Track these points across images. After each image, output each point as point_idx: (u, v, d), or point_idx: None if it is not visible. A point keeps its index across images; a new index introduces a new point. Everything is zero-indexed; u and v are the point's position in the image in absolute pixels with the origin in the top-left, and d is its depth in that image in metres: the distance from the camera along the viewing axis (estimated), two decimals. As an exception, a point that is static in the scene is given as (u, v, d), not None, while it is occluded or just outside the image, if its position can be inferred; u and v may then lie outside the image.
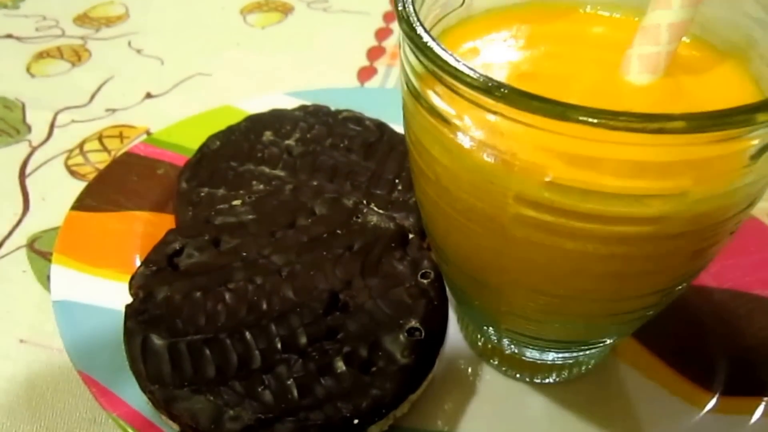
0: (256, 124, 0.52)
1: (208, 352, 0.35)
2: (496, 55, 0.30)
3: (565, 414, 0.39)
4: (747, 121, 0.21)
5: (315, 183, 0.47)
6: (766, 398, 0.37)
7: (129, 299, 0.39)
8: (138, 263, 0.44)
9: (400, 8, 0.27)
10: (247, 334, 0.36)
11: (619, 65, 0.28)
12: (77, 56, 0.72)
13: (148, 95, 0.65)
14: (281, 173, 0.48)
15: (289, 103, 0.55)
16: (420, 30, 0.25)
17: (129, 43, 0.74)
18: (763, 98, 0.25)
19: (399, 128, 0.51)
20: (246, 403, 0.33)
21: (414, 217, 0.44)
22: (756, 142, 0.23)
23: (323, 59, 0.71)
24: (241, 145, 0.50)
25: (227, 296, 0.38)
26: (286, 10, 0.79)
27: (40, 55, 0.72)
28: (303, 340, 0.36)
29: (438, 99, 0.26)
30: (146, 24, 0.78)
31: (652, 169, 0.23)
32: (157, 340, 0.36)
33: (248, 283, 0.38)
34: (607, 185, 0.23)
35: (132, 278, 0.39)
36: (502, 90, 0.22)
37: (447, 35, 0.32)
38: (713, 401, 0.38)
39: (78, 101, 0.65)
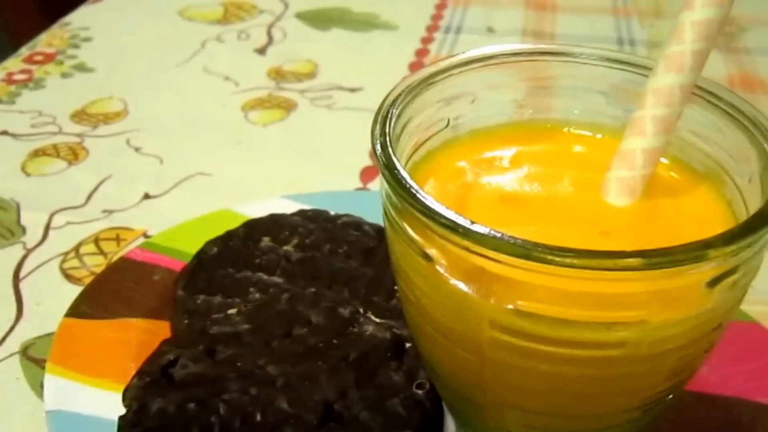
0: (254, 229, 0.55)
1: (201, 464, 0.38)
2: (479, 176, 0.34)
3: None
4: (699, 257, 0.24)
5: (313, 290, 0.50)
6: None
7: (121, 408, 0.41)
8: (133, 372, 0.47)
9: (376, 146, 0.30)
10: (242, 447, 0.39)
11: (599, 186, 0.32)
12: (74, 154, 0.75)
13: (146, 196, 0.68)
14: (279, 280, 0.51)
15: (288, 207, 0.58)
16: (395, 168, 0.29)
17: (128, 141, 0.77)
18: (735, 220, 0.29)
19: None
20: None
21: (412, 326, 0.47)
22: (710, 273, 0.26)
23: (326, 158, 0.74)
24: (238, 251, 0.53)
25: (221, 408, 0.41)
26: (289, 107, 0.83)
27: (36, 153, 0.76)
28: (297, 451, 0.39)
29: (413, 232, 0.29)
30: (145, 121, 0.81)
31: (613, 299, 0.26)
32: (150, 453, 0.39)
33: (243, 394, 0.41)
34: (573, 314, 0.27)
35: (126, 389, 0.42)
36: (466, 228, 0.25)
37: (431, 158, 0.36)
38: None
39: (74, 202, 0.68)
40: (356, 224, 0.55)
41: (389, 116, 0.32)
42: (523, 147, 0.36)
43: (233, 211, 0.60)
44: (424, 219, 0.27)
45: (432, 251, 0.29)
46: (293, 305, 0.46)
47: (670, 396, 0.34)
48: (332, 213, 0.57)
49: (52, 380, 0.47)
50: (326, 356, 0.43)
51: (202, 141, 0.78)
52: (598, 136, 0.37)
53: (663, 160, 0.34)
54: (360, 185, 0.70)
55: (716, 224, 0.26)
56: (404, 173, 0.28)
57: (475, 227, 0.25)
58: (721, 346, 0.36)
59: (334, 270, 0.52)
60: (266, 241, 0.54)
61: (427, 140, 0.36)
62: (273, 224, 0.56)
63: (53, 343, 0.49)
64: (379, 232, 0.55)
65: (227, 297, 0.50)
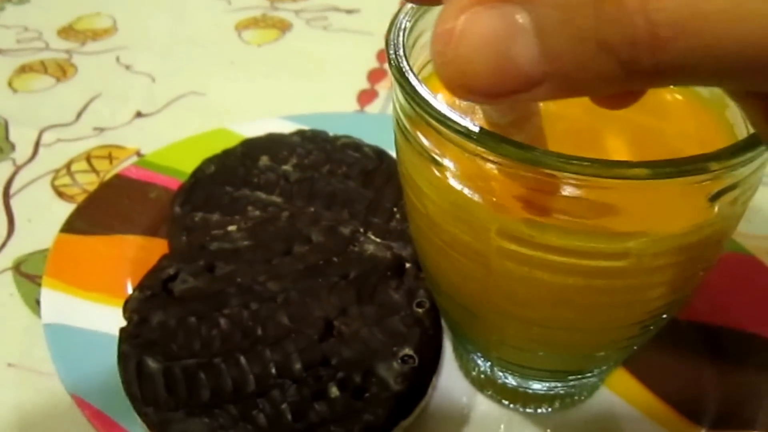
0: (252, 148, 0.57)
1: (203, 375, 0.40)
2: None
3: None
4: (703, 168, 0.26)
5: (312, 210, 0.51)
6: (754, 433, 0.42)
7: (120, 324, 0.43)
8: (130, 288, 0.49)
9: (390, 54, 0.31)
10: (242, 359, 0.41)
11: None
12: (62, 71, 0.76)
13: (139, 114, 0.70)
14: (277, 199, 0.53)
15: (286, 128, 0.60)
16: (409, 76, 0.30)
17: (117, 59, 0.78)
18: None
19: (398, 156, 0.56)
20: (240, 425, 0.38)
21: (411, 247, 0.49)
22: (713, 187, 0.27)
23: (322, 80, 0.75)
24: (236, 170, 0.55)
25: (222, 322, 0.42)
26: (284, 28, 0.84)
27: (23, 69, 0.77)
28: (297, 365, 0.41)
29: (425, 139, 0.30)
30: (135, 39, 0.82)
31: (618, 209, 0.28)
32: (152, 364, 0.41)
33: (243, 308, 0.43)
34: (580, 223, 0.28)
35: (126, 302, 0.44)
36: (478, 134, 0.27)
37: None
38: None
39: (64, 119, 0.69)
40: (356, 145, 0.57)
41: (403, 25, 0.32)
42: None
43: (229, 131, 0.62)
44: (437, 125, 0.28)
45: (443, 158, 0.30)
46: (293, 223, 0.48)
47: (665, 315, 0.36)
48: (331, 134, 0.58)
49: (48, 294, 0.49)
50: (326, 274, 0.45)
51: (195, 60, 0.79)
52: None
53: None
54: (357, 108, 0.71)
55: (718, 146, 0.27)
56: (418, 80, 0.29)
57: (487, 133, 0.27)
58: (716, 276, 0.38)
59: (333, 191, 0.53)
60: (264, 160, 0.56)
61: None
62: (271, 144, 0.57)
63: (49, 258, 0.51)
64: (379, 154, 0.56)
65: (225, 215, 0.52)
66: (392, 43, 0.31)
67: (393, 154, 0.53)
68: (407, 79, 0.29)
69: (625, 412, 0.45)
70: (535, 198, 0.28)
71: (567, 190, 0.27)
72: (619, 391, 0.45)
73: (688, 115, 0.35)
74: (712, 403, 0.44)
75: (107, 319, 0.46)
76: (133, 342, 0.41)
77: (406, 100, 0.29)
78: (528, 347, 0.38)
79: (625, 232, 0.29)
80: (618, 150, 0.33)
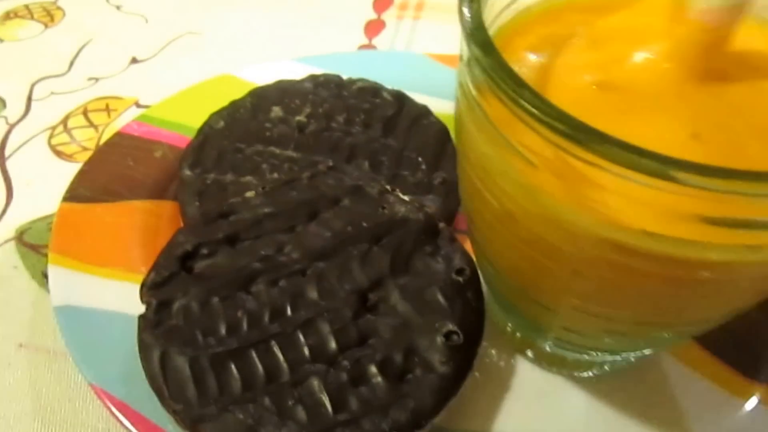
0: (262, 99, 0.54)
1: (232, 365, 0.38)
2: (561, 58, 0.32)
3: (605, 408, 0.42)
4: None
5: (331, 163, 0.49)
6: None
7: (135, 300, 0.41)
8: (141, 259, 0.46)
9: (467, 19, 0.28)
10: (273, 344, 0.39)
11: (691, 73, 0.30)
12: (49, 16, 0.73)
13: (134, 60, 0.67)
14: (294, 154, 0.50)
15: (296, 71, 0.57)
16: (497, 57, 0.26)
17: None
18: None
19: (418, 97, 0.53)
20: (278, 420, 0.36)
21: (441, 201, 0.47)
22: None
23: (325, 12, 0.73)
24: (247, 123, 0.52)
25: (248, 302, 0.40)
26: (282, -45, 0.80)
27: (7, 16, 0.74)
28: (332, 347, 0.38)
29: (516, 137, 0.27)
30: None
31: (761, 220, 0.25)
32: (176, 356, 0.38)
33: (269, 286, 0.41)
34: (710, 236, 0.25)
35: (143, 285, 0.41)
36: (598, 141, 0.23)
37: (501, 36, 0.33)
38: (759, 393, 0.42)
39: (56, 69, 0.67)
40: (373, 90, 0.54)
41: None
42: (604, 18, 0.34)
43: (235, 77, 0.59)
44: (538, 125, 0.25)
45: (538, 159, 0.27)
46: (316, 184, 0.45)
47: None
48: (345, 77, 0.55)
49: (56, 272, 0.46)
50: (356, 241, 0.42)
51: (190, -3, 0.76)
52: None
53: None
54: (365, 41, 0.68)
55: None
56: (513, 69, 0.26)
57: (610, 141, 0.23)
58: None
59: (354, 141, 0.51)
60: (276, 111, 0.53)
61: (499, 15, 0.33)
62: (282, 92, 0.54)
63: (53, 232, 0.48)
64: (398, 98, 0.54)
65: (239, 175, 0.49)
66: (468, 16, 0.28)
67: (412, 96, 0.51)
68: (492, 54, 0.26)
69: (676, 371, 0.43)
70: (658, 211, 0.25)
71: (700, 204, 0.24)
72: (670, 351, 0.43)
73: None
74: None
75: (122, 297, 0.44)
76: (155, 331, 0.39)
77: (489, 81, 0.26)
78: (596, 334, 0.36)
79: (765, 243, 0.25)
80: (706, 133, 0.29)
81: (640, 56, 0.31)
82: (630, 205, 0.25)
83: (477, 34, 0.27)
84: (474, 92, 0.28)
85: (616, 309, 0.32)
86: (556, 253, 0.30)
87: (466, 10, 0.28)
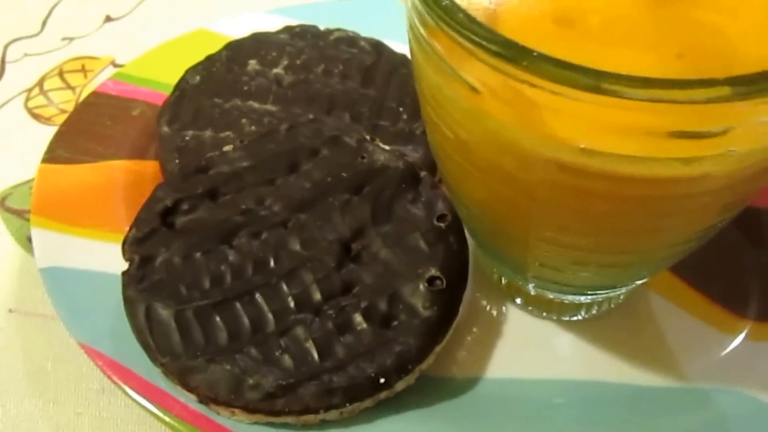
0: (237, 52, 0.54)
1: (217, 318, 0.39)
2: None
3: (594, 350, 0.43)
4: None
5: (311, 116, 0.49)
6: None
7: (120, 260, 0.42)
8: (126, 218, 0.47)
9: None
10: (258, 296, 0.40)
11: None
12: (19, -26, 0.73)
13: (108, 18, 0.67)
14: (272, 108, 0.50)
15: (271, 23, 0.57)
16: None
17: (77, -45, 0.75)
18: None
19: (397, 46, 0.54)
20: (265, 369, 0.37)
21: (423, 150, 0.47)
22: None
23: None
24: (224, 77, 0.53)
25: (231, 255, 0.41)
26: None
27: (-25, -24, 0.73)
28: (317, 296, 0.39)
29: (458, 62, 0.28)
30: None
31: (696, 131, 0.26)
32: (161, 309, 0.39)
33: (252, 238, 0.41)
34: (649, 150, 0.26)
35: (125, 242, 0.42)
36: (531, 59, 0.24)
37: None
38: (746, 328, 0.43)
39: (28, 30, 0.66)
40: (350, 40, 0.54)
41: None
42: None
43: (209, 31, 0.59)
44: (474, 48, 0.26)
45: (480, 84, 0.28)
46: (294, 136, 0.46)
47: (725, 222, 0.34)
48: (322, 28, 0.56)
49: (39, 234, 0.47)
50: (337, 191, 0.43)
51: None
52: None
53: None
54: (342, -8, 0.68)
55: None
56: None
57: (541, 58, 0.24)
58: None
59: (333, 93, 0.51)
60: (253, 64, 0.53)
61: None
62: (258, 45, 0.55)
63: (34, 193, 0.49)
64: (376, 46, 0.54)
65: (218, 131, 0.50)
66: None
67: (391, 45, 0.52)
68: None
69: (665, 309, 0.44)
70: (597, 126, 0.26)
71: (637, 116, 0.25)
72: (657, 289, 0.45)
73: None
74: (757, 294, 0.43)
75: (107, 256, 0.45)
76: (138, 287, 0.40)
77: (430, 11, 0.27)
78: (572, 269, 0.37)
79: (702, 155, 0.26)
80: (691, 52, 0.30)
81: None
82: (567, 122, 0.26)
83: None
84: (418, 23, 0.29)
85: (578, 236, 0.33)
86: (511, 180, 0.31)
87: None
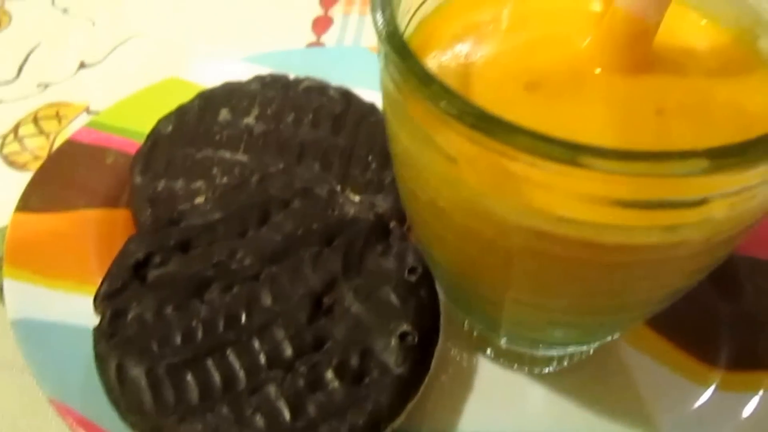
0: (209, 101, 0.53)
1: (189, 375, 0.37)
2: (489, 51, 0.32)
3: (566, 403, 0.42)
4: None
5: (281, 166, 0.48)
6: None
7: (92, 313, 0.41)
8: (98, 269, 0.45)
9: (378, 22, 0.28)
10: (229, 352, 0.38)
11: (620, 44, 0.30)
12: (-4, 21, 0.72)
13: (82, 64, 0.66)
14: (243, 158, 0.49)
15: (242, 71, 0.56)
16: (407, 55, 0.26)
17: (52, 2, 0.74)
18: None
19: (365, 93, 0.53)
20: (236, 429, 0.36)
21: (392, 199, 0.46)
22: None
23: (272, 8, 0.71)
24: (195, 127, 0.51)
25: (202, 310, 0.40)
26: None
27: (-47, 22, 0.72)
28: (288, 353, 0.38)
29: (433, 129, 0.27)
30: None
31: (674, 201, 0.25)
32: (133, 366, 0.38)
33: (223, 292, 0.40)
34: (628, 218, 0.25)
35: (96, 296, 0.41)
36: (507, 131, 0.23)
37: (424, 28, 0.33)
38: (717, 378, 0.42)
39: (4, 76, 0.65)
40: (320, 88, 0.53)
41: None
42: (537, 3, 0.34)
43: (182, 80, 0.58)
44: (449, 119, 0.24)
45: (457, 152, 0.27)
46: (265, 188, 0.45)
47: (697, 282, 0.33)
48: (292, 77, 0.55)
49: (12, 285, 0.45)
50: (308, 244, 0.42)
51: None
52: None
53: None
54: (313, 38, 0.67)
55: (754, 87, 0.25)
56: (425, 67, 0.26)
57: (517, 130, 0.23)
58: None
59: (302, 142, 0.50)
60: (224, 113, 0.52)
61: (421, 6, 0.33)
62: (229, 94, 0.53)
63: (7, 243, 0.47)
64: (345, 95, 0.53)
65: (190, 180, 0.48)
66: (379, 4, 0.28)
67: (359, 93, 0.51)
68: (403, 53, 0.26)
69: (635, 360, 0.43)
70: (575, 197, 0.25)
71: (614, 188, 0.24)
72: (629, 340, 0.43)
73: (719, 51, 0.32)
74: (727, 343, 0.43)
75: (79, 308, 0.43)
76: (110, 342, 0.39)
77: (402, 79, 0.26)
78: (543, 327, 0.36)
79: (682, 223, 0.26)
80: (670, 108, 0.29)
81: (563, 44, 0.32)
82: (545, 192, 0.26)
83: (389, 36, 0.27)
84: (393, 89, 0.28)
85: (552, 299, 0.32)
86: (486, 244, 0.30)
87: (378, 16, 0.28)
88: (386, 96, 0.30)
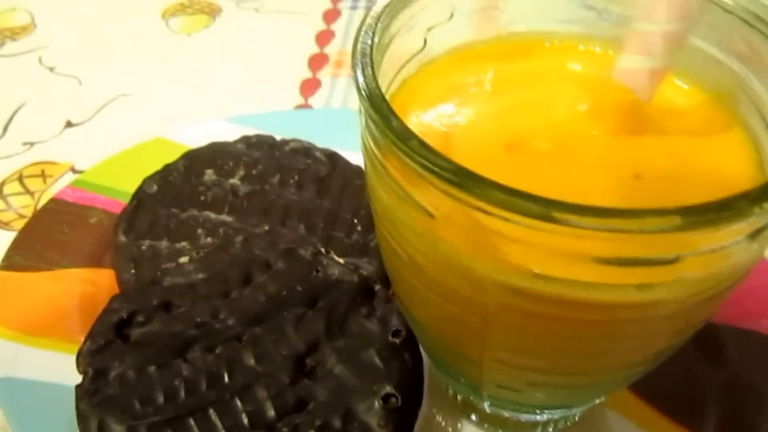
0: (195, 162, 0.53)
1: (170, 435, 0.37)
2: (471, 112, 0.32)
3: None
4: (744, 213, 0.23)
5: (266, 228, 0.48)
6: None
7: (74, 372, 0.40)
8: (80, 328, 0.45)
9: (359, 81, 0.28)
10: (211, 412, 0.38)
11: (618, 116, 0.31)
12: (-17, 79, 0.72)
13: (69, 124, 0.66)
14: (228, 218, 0.49)
15: (228, 132, 0.56)
16: (386, 112, 0.26)
17: (39, 60, 0.74)
18: (753, 144, 0.28)
19: (351, 156, 0.53)
20: (218, 492, 0.35)
21: (377, 263, 0.46)
22: (754, 225, 0.25)
23: (260, 70, 0.72)
24: (181, 187, 0.51)
25: (184, 369, 0.39)
26: (213, 12, 0.80)
27: (-61, 79, 0.72)
28: (271, 413, 0.38)
29: (412, 188, 0.27)
30: (56, 35, 0.77)
31: (648, 258, 0.25)
32: (114, 425, 0.37)
33: (206, 352, 0.40)
34: (602, 276, 0.25)
35: (79, 354, 0.40)
36: (482, 187, 0.23)
37: (407, 87, 0.34)
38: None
39: (-10, 134, 0.65)
40: (305, 150, 0.54)
41: (369, 41, 0.29)
42: (509, 65, 0.34)
43: (168, 140, 0.58)
44: (426, 174, 0.25)
45: (434, 208, 0.27)
46: (249, 248, 0.45)
47: (680, 343, 0.33)
48: (278, 138, 0.55)
49: (-5, 343, 0.45)
50: (291, 305, 0.42)
51: (123, 56, 0.75)
52: (596, 49, 0.35)
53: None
54: (300, 101, 0.67)
55: (734, 151, 0.25)
56: (403, 123, 0.26)
57: (492, 185, 0.23)
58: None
59: (287, 203, 0.50)
60: (209, 174, 0.52)
61: (404, 66, 0.33)
62: (215, 154, 0.54)
63: (-9, 301, 0.47)
64: (331, 157, 0.53)
65: (174, 241, 0.48)
66: (359, 63, 0.28)
67: (346, 154, 0.51)
68: (381, 110, 0.26)
69: (622, 427, 0.43)
70: (550, 253, 0.25)
71: (588, 244, 0.24)
72: (614, 406, 0.43)
73: (698, 116, 0.33)
74: (714, 411, 0.42)
75: (61, 367, 0.43)
76: (92, 400, 0.38)
77: (380, 135, 0.26)
78: (527, 389, 0.36)
79: (654, 282, 0.26)
80: (648, 173, 0.30)
81: (544, 107, 0.32)
82: (520, 248, 0.26)
83: (368, 93, 0.27)
84: (371, 144, 0.28)
85: (530, 358, 0.32)
86: (463, 302, 0.30)
87: (358, 73, 0.28)
88: (366, 153, 0.30)
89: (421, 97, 0.34)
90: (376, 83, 0.28)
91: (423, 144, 0.25)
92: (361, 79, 0.28)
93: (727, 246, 0.25)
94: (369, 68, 0.28)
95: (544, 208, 0.23)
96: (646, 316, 0.28)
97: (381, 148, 0.28)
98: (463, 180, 0.24)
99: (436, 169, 0.25)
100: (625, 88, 0.31)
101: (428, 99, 0.33)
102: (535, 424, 0.41)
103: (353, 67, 0.29)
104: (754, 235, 0.25)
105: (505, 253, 0.26)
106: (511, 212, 0.24)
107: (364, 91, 0.28)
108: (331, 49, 0.74)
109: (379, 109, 0.27)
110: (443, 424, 0.43)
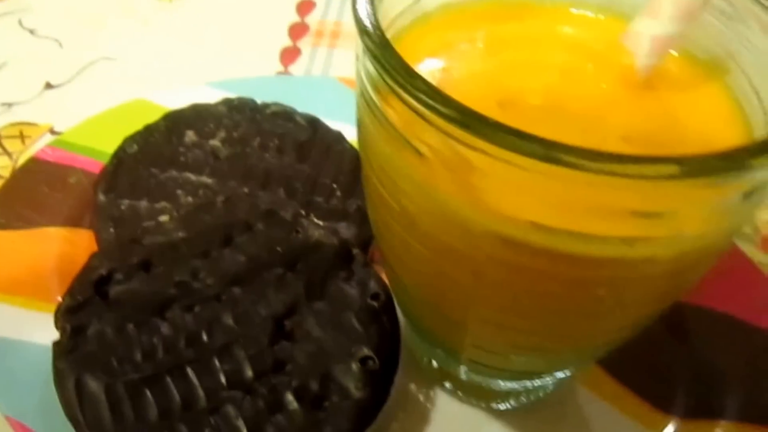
0: (176, 122, 0.52)
1: (148, 393, 0.37)
2: (464, 69, 0.32)
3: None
4: (741, 167, 0.23)
5: (246, 190, 0.48)
6: (724, 422, 0.41)
7: (52, 330, 0.40)
8: (58, 288, 0.45)
9: (361, 16, 0.27)
10: (189, 371, 0.38)
11: (613, 79, 0.30)
12: (-37, 40, 0.71)
13: (48, 85, 0.65)
14: (208, 180, 0.49)
15: (210, 96, 0.56)
16: (389, 49, 0.26)
17: (20, 22, 0.73)
18: (741, 113, 0.28)
19: (332, 123, 0.52)
20: (194, 449, 0.35)
21: (355, 228, 0.46)
22: (750, 183, 0.25)
23: (242, 39, 0.71)
24: (161, 148, 0.51)
25: (163, 328, 0.39)
26: (196, -21, 0.79)
27: None
28: (249, 373, 0.38)
29: (406, 125, 0.27)
30: (38, -2, 0.76)
31: (645, 211, 0.25)
32: (92, 382, 0.37)
33: (185, 311, 0.40)
34: (597, 228, 0.25)
35: (57, 311, 0.40)
36: (485, 125, 0.23)
37: (400, 41, 0.33)
38: (672, 425, 0.42)
39: (-31, 95, 0.64)
40: (286, 114, 0.53)
41: None
42: (506, 26, 0.34)
43: (149, 102, 0.57)
44: (428, 112, 0.24)
45: (431, 152, 0.26)
46: (230, 209, 0.45)
47: (654, 315, 0.33)
48: (259, 102, 0.54)
49: (-30, 302, 0.44)
50: (271, 266, 0.41)
51: (105, 20, 0.74)
52: (588, 13, 0.35)
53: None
54: (280, 68, 0.67)
55: (722, 117, 0.25)
56: (406, 63, 0.25)
57: (494, 125, 0.23)
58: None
59: (268, 167, 0.50)
60: (190, 135, 0.52)
61: (398, 17, 0.33)
62: (196, 116, 0.53)
63: (-33, 261, 0.46)
64: (312, 122, 0.53)
65: (154, 201, 0.48)
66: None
67: (326, 121, 0.50)
68: (385, 51, 0.26)
69: (593, 404, 0.43)
70: (547, 200, 0.25)
71: (587, 192, 0.24)
72: (585, 383, 0.43)
73: (691, 85, 0.32)
74: (683, 392, 0.43)
75: (38, 326, 0.42)
76: (69, 357, 0.38)
77: (382, 77, 0.26)
78: (505, 351, 0.36)
79: (649, 237, 0.26)
80: (637, 137, 0.30)
81: (537, 68, 0.32)
82: (516, 195, 0.26)
83: (367, 28, 0.27)
84: (369, 88, 0.28)
85: (518, 317, 0.32)
86: (454, 254, 0.29)
87: (361, 8, 0.28)
88: (362, 99, 0.29)
89: (414, 52, 0.33)
90: (378, 21, 0.27)
91: (427, 83, 0.25)
92: (364, 12, 0.27)
93: (722, 204, 0.25)
94: (371, 4, 0.28)
95: (547, 150, 0.23)
96: (635, 275, 0.28)
97: (380, 90, 0.27)
98: (467, 119, 0.24)
99: (441, 107, 0.24)
100: (627, 51, 0.31)
101: (421, 54, 0.33)
102: (508, 393, 0.41)
103: (353, 4, 0.28)
104: (748, 194, 0.25)
105: (500, 200, 0.26)
106: (514, 152, 0.23)
107: (369, 25, 0.27)
108: (312, 19, 0.74)
109: (382, 45, 0.26)
110: (416, 392, 0.43)
